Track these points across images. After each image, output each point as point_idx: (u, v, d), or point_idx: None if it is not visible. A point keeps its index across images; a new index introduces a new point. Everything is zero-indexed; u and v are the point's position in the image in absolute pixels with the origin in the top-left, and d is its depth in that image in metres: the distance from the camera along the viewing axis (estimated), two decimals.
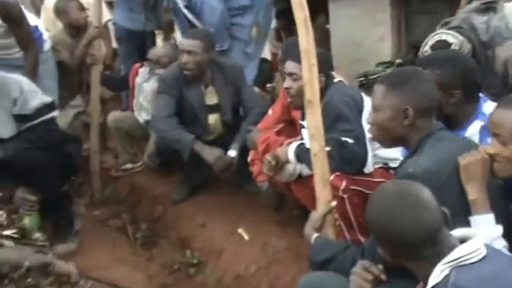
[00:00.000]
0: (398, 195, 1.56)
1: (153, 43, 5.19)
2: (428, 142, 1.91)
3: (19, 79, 3.18)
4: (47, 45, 3.99)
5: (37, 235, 3.07)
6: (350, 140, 2.58)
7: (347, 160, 2.57)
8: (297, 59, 2.50)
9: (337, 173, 2.58)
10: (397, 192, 1.58)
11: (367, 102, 2.70)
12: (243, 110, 3.80)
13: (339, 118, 2.63)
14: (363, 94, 2.85)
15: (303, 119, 2.78)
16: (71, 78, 4.28)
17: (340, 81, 2.92)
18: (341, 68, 3.70)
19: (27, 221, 3.10)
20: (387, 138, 2.05)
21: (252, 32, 4.41)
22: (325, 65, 2.80)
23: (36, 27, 3.89)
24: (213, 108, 3.75)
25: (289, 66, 2.87)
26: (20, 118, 3.11)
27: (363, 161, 2.62)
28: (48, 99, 3.28)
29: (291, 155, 2.74)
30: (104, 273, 3.15)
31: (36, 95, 3.19)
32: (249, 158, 3.37)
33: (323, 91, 2.60)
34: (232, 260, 3.26)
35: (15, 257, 2.70)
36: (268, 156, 2.90)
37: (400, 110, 1.94)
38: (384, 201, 1.58)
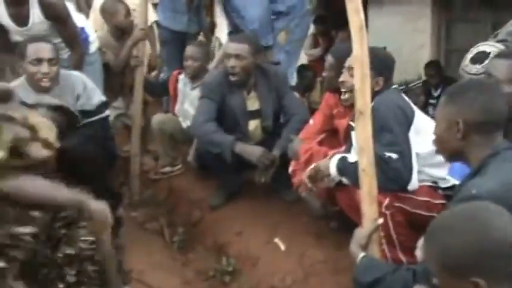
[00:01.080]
0: (473, 221, 1.37)
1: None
2: (493, 162, 1.80)
3: (82, 76, 3.36)
4: (93, 47, 4.03)
5: None
6: (394, 156, 2.46)
7: (390, 178, 2.44)
8: None
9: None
10: (470, 218, 1.38)
11: (418, 115, 2.62)
12: (285, 117, 3.75)
13: (383, 129, 2.52)
14: (414, 107, 2.74)
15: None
16: (114, 80, 4.31)
17: (395, 88, 2.80)
18: None
19: None
20: (445, 152, 1.98)
21: (278, 37, 4.33)
22: (386, 68, 2.72)
23: (83, 28, 3.94)
24: (254, 114, 3.72)
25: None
26: (82, 113, 3.22)
27: (407, 179, 2.48)
28: (103, 97, 3.42)
29: (333, 169, 2.67)
30: (139, 276, 3.13)
31: (96, 93, 3.37)
32: (290, 169, 3.30)
33: (374, 96, 2.50)
34: (268, 270, 3.21)
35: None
36: (309, 170, 2.85)
37: (452, 122, 1.86)
38: (457, 229, 1.37)
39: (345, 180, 2.67)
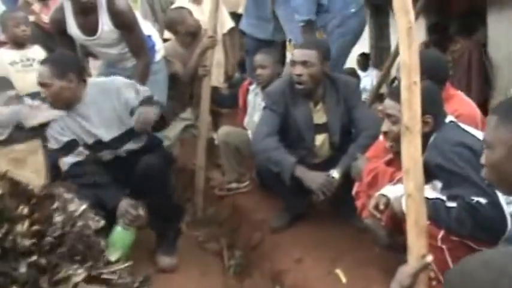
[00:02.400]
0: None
1: (283, 55, 4.93)
2: None
3: (134, 82, 3.22)
4: (158, 56, 3.88)
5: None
6: (483, 201, 2.03)
7: (483, 225, 2.02)
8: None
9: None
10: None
11: None
12: (355, 131, 3.35)
13: (458, 178, 2.13)
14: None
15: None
16: (182, 90, 4.16)
17: (451, 122, 2.38)
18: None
19: (116, 235, 2.94)
20: (505, 184, 1.54)
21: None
22: (434, 103, 2.34)
23: (150, 36, 3.81)
24: (321, 128, 3.36)
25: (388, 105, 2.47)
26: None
27: (504, 226, 2.00)
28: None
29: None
30: None
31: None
32: (354, 190, 2.91)
33: (427, 137, 2.21)
34: None
35: None
36: (374, 199, 2.47)
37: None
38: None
39: None
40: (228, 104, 4.46)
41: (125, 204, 2.96)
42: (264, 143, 3.26)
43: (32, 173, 2.98)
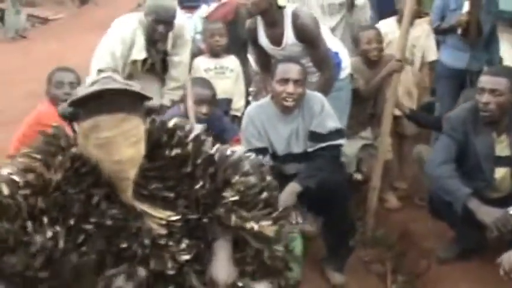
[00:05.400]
0: None
1: (473, 83, 4.73)
2: None
3: (322, 98, 3.36)
4: (344, 74, 3.97)
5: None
6: None
7: None
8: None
9: None
10: None
11: None
12: None
13: None
14: None
15: None
16: (363, 108, 4.17)
17: None
18: None
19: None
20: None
21: None
22: None
23: (337, 53, 3.91)
24: (503, 161, 3.16)
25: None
26: (313, 136, 3.27)
27: None
28: (340, 125, 3.36)
29: None
30: None
31: (333, 118, 3.31)
32: None
33: None
34: None
35: None
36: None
37: None
38: None
39: None
40: (431, 126, 4.35)
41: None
42: (439, 170, 3.17)
43: None
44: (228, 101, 4.19)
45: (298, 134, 3.31)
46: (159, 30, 3.83)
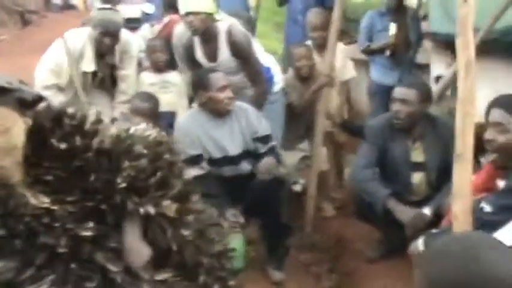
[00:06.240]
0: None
1: None
2: None
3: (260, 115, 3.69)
4: (277, 87, 4.22)
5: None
6: None
7: None
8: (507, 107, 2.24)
9: None
10: None
11: None
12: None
13: None
14: None
15: None
16: (299, 122, 4.41)
17: None
18: None
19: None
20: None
21: None
22: None
23: (269, 68, 4.17)
24: (419, 167, 3.46)
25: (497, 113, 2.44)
26: (262, 138, 3.58)
27: None
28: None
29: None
30: None
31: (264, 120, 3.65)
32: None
33: None
34: None
35: None
36: None
37: None
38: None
39: None
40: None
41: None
42: (362, 174, 3.45)
43: None
44: (172, 114, 4.34)
45: (233, 135, 3.55)
46: (106, 42, 4.02)
